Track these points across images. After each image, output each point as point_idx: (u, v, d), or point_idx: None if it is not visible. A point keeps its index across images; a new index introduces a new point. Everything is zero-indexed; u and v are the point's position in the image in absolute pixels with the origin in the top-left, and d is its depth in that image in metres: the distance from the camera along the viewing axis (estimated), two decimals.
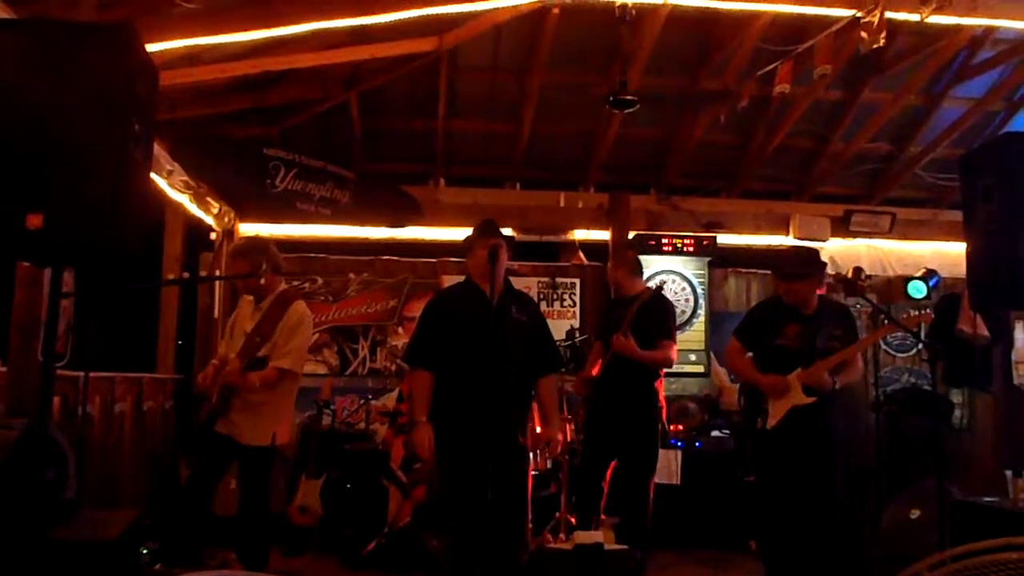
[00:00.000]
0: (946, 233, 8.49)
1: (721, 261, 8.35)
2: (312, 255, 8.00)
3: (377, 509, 6.11)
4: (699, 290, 8.08)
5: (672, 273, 7.98)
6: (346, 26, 5.63)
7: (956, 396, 8.13)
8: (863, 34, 5.50)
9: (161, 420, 6.73)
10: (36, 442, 3.21)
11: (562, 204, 8.52)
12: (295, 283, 7.33)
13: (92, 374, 5.02)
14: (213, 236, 7.66)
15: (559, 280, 8.17)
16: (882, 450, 6.93)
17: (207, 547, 4.91)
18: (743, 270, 8.48)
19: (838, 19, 5.86)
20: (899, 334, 8.23)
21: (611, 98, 6.48)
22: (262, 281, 4.66)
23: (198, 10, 5.07)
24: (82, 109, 2.72)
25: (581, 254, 8.44)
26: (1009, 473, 5.69)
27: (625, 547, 4.62)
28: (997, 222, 3.61)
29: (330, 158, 7.67)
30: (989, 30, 6.92)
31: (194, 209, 7.14)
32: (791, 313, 4.83)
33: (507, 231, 7.32)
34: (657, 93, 7.54)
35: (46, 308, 3.39)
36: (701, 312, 8.05)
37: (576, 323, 7.96)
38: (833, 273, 8.02)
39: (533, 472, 5.43)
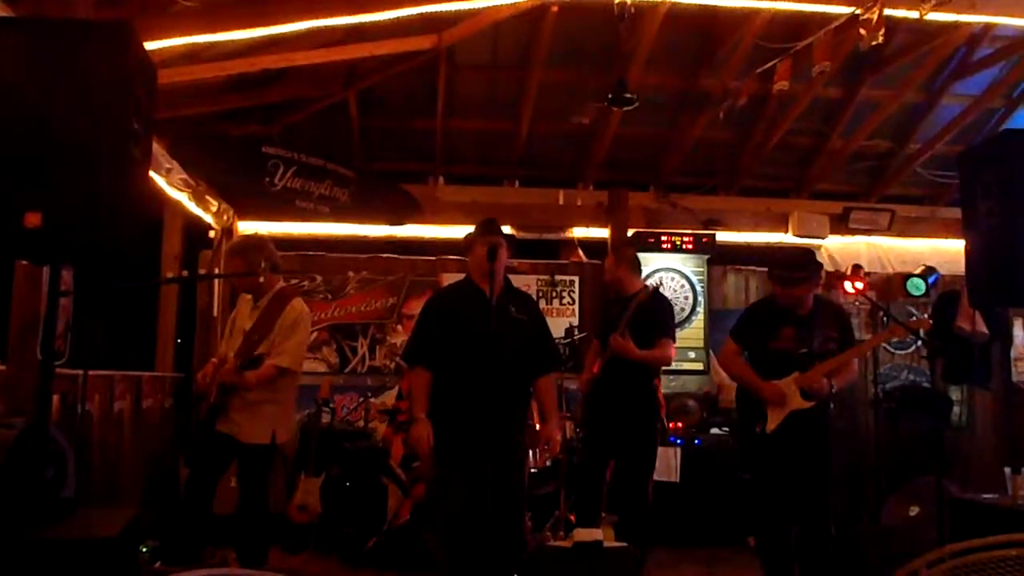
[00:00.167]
0: (945, 230, 8.49)
1: (720, 258, 8.34)
2: (311, 253, 8.00)
3: (376, 507, 6.11)
4: (698, 287, 8.08)
5: (671, 271, 7.98)
6: (345, 24, 5.63)
7: (955, 393, 8.13)
8: (862, 31, 5.50)
9: (160, 418, 6.73)
10: (35, 440, 3.21)
11: (561, 202, 8.52)
12: (294, 281, 7.33)
13: (91, 372, 5.01)
14: (212, 234, 7.66)
15: (558, 278, 8.17)
16: (881, 447, 6.94)
17: (207, 545, 4.91)
18: (742, 267, 8.48)
19: (837, 16, 5.86)
20: None
21: (610, 96, 6.48)
22: (260, 279, 4.66)
23: (196, 8, 5.07)
24: (80, 107, 2.72)
25: (580, 252, 8.44)
26: (1008, 470, 5.68)
27: (624, 545, 4.63)
28: (996, 219, 3.61)
29: (329, 156, 7.67)
30: (988, 27, 6.92)
31: (193, 207, 7.13)
32: (786, 315, 4.80)
33: (506, 229, 7.33)
34: (656, 91, 7.54)
35: (45, 306, 3.39)
36: (700, 309, 8.05)
37: (575, 321, 7.96)
38: (832, 270, 8.03)
39: (533, 470, 5.43)
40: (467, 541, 4.01)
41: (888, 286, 8.34)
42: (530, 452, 5.06)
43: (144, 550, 4.86)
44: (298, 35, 5.68)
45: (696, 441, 6.92)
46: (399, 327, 7.89)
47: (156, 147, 5.67)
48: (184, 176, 6.58)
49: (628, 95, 6.43)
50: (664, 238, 7.99)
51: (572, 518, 5.52)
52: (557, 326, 7.60)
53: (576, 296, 8.18)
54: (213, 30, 5.14)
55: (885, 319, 6.70)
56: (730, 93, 7.07)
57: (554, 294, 8.14)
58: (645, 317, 5.30)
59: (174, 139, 6.43)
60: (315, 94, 7.50)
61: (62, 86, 2.72)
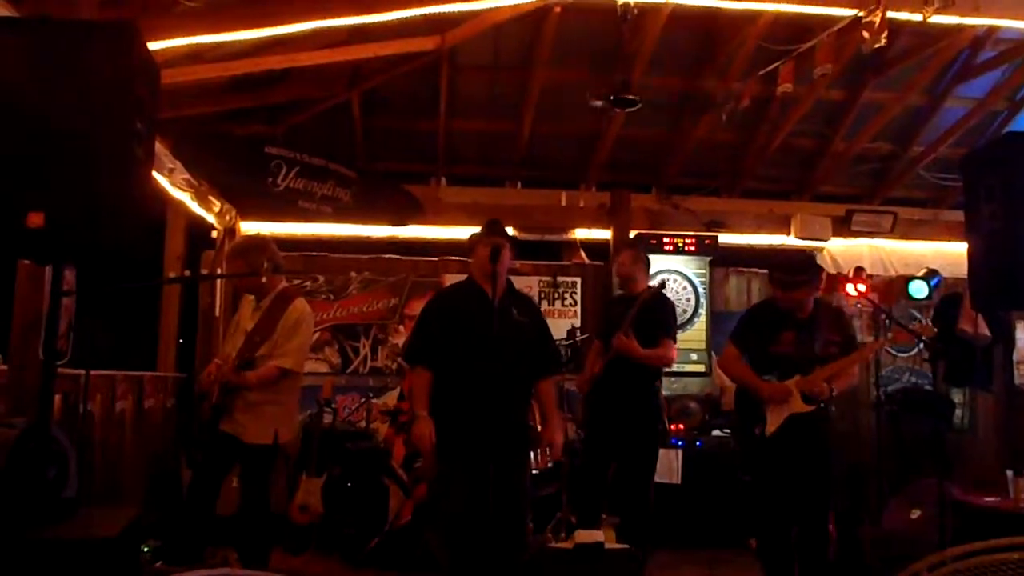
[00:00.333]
0: (948, 233, 8.48)
1: (722, 260, 8.34)
2: (313, 253, 8.00)
3: (378, 508, 6.11)
4: (700, 289, 8.07)
5: (673, 272, 7.97)
6: (347, 25, 5.64)
7: (957, 396, 8.13)
8: (865, 33, 5.50)
9: (162, 419, 6.73)
10: (37, 440, 3.21)
11: (563, 203, 8.52)
12: (296, 281, 7.33)
13: (93, 372, 5.02)
14: (214, 234, 7.66)
15: (560, 279, 8.17)
16: (883, 449, 6.92)
17: (208, 546, 4.91)
18: (744, 269, 8.47)
19: (840, 18, 5.86)
20: None
21: (612, 97, 6.47)
22: (263, 280, 4.66)
23: (200, 8, 5.07)
24: (84, 107, 2.72)
25: (582, 253, 8.43)
26: (1010, 473, 5.69)
27: (626, 546, 4.62)
28: (999, 222, 3.60)
29: (332, 157, 7.68)
30: (991, 30, 6.92)
31: (196, 207, 7.13)
32: (787, 318, 4.80)
33: (509, 230, 7.34)
34: (658, 92, 7.54)
35: (47, 306, 3.39)
36: (702, 311, 8.05)
37: (577, 322, 7.95)
38: (835, 273, 8.03)
39: (534, 471, 5.43)
40: (469, 542, 4.01)
41: (890, 289, 8.33)
42: (532, 454, 5.05)
43: (145, 550, 4.86)
44: (301, 36, 5.69)
45: (698, 443, 6.91)
46: (401, 328, 7.89)
47: (159, 147, 5.68)
48: (187, 176, 6.58)
49: (630, 96, 6.42)
50: (666, 240, 7.98)
51: (573, 520, 5.51)
52: (559, 327, 7.59)
53: (578, 297, 8.17)
54: (216, 30, 5.15)
55: (888, 322, 6.68)
56: (733, 95, 7.07)
57: (556, 295, 8.13)
58: (649, 316, 5.29)
59: (177, 139, 6.44)
60: (318, 95, 7.51)
61: (65, 86, 2.73)
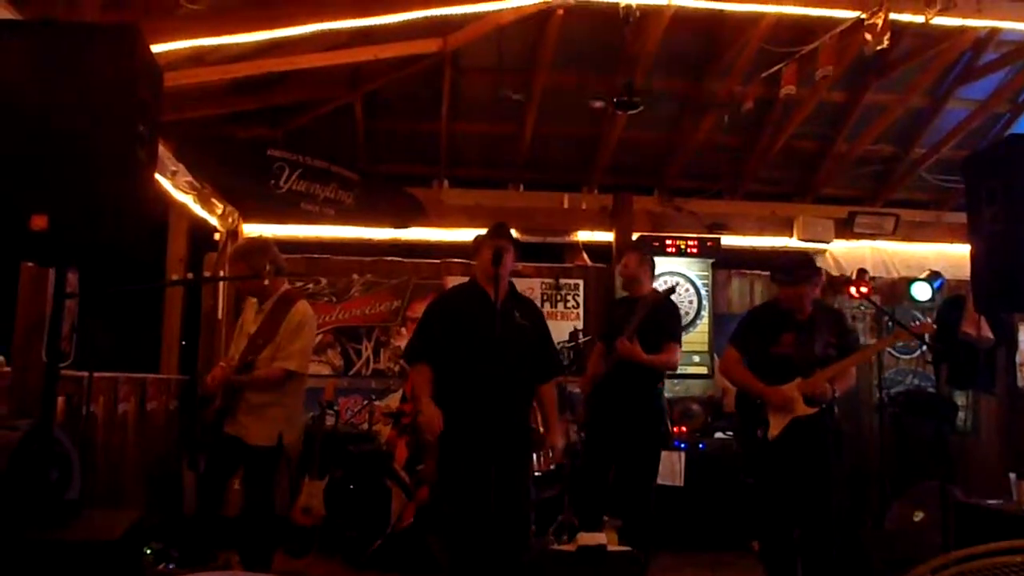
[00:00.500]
0: (950, 235, 8.47)
1: (725, 262, 8.33)
2: (316, 256, 8.00)
3: (380, 510, 6.10)
4: (703, 292, 8.07)
5: (676, 275, 7.97)
6: (350, 27, 5.64)
7: (960, 398, 8.11)
8: (867, 36, 5.50)
9: (165, 421, 6.73)
10: (40, 442, 3.22)
11: (566, 205, 8.53)
12: (299, 284, 7.33)
13: (96, 374, 5.02)
14: (217, 237, 7.67)
15: (563, 281, 8.17)
16: (886, 452, 6.92)
17: (219, 548, 4.92)
18: (747, 271, 8.46)
19: (842, 21, 5.86)
20: None
21: (615, 100, 6.48)
22: (266, 282, 4.66)
23: (202, 11, 5.08)
24: (86, 110, 2.72)
25: (585, 255, 8.43)
26: (1013, 476, 5.67)
27: (628, 549, 4.62)
28: (1001, 224, 3.60)
29: (334, 159, 7.69)
30: (994, 32, 6.92)
31: (198, 210, 7.14)
32: (786, 320, 4.82)
33: (512, 233, 7.32)
34: (661, 95, 7.54)
35: (50, 308, 3.39)
36: (705, 313, 8.05)
37: (579, 324, 7.96)
38: (837, 275, 8.02)
39: (537, 473, 5.43)
40: (471, 544, 4.01)
41: (893, 291, 8.33)
42: (534, 456, 5.05)
43: (148, 552, 4.86)
44: (304, 38, 5.70)
45: (700, 445, 6.90)
46: (403, 330, 7.89)
47: (162, 149, 5.69)
48: (189, 178, 6.59)
49: (632, 99, 6.43)
50: (668, 242, 7.97)
51: (576, 522, 5.51)
52: (561, 329, 7.61)
53: (580, 300, 8.17)
54: (219, 33, 5.15)
55: (890, 324, 6.68)
56: (735, 97, 7.08)
57: (558, 297, 8.13)
58: (654, 321, 5.27)
59: (180, 142, 6.45)
60: (321, 97, 7.52)
61: (68, 89, 2.73)
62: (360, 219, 7.85)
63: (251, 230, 7.66)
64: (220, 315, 7.55)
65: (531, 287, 7.87)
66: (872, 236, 8.47)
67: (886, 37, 5.45)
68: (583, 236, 8.40)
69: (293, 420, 4.73)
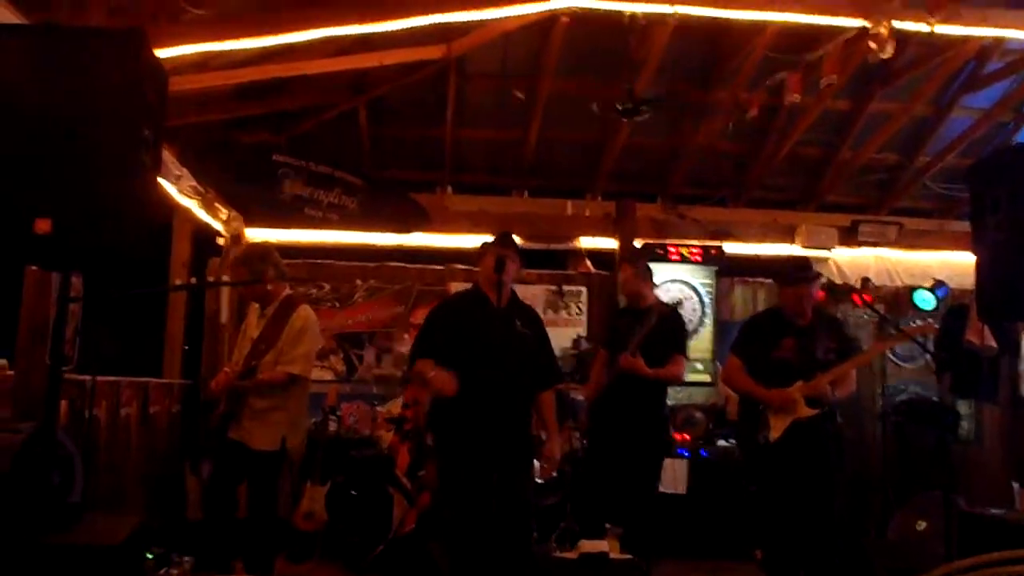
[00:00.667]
0: (954, 244, 8.45)
1: (728, 270, 8.32)
2: (319, 261, 8.01)
3: (382, 516, 6.09)
4: (706, 299, 8.06)
5: (679, 282, 7.96)
6: (355, 33, 5.65)
7: (963, 407, 8.09)
8: (871, 44, 5.51)
9: (167, 425, 6.73)
10: (43, 445, 3.22)
11: (569, 212, 8.54)
12: (302, 289, 7.34)
13: (99, 378, 5.03)
14: (221, 241, 7.67)
15: (566, 288, 8.16)
16: (888, 461, 6.91)
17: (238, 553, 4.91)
18: (750, 279, 8.45)
19: (847, 29, 5.87)
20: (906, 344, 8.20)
21: (619, 107, 6.48)
22: (268, 287, 4.68)
23: (207, 17, 5.10)
24: (92, 114, 2.73)
25: (588, 262, 8.43)
26: (1016, 485, 5.67)
27: (630, 556, 4.62)
28: (1005, 233, 3.59)
29: (338, 164, 7.70)
30: (998, 41, 6.91)
31: (202, 214, 7.15)
32: (786, 325, 4.85)
33: (516, 243, 7.31)
34: (665, 102, 7.54)
35: (54, 312, 3.40)
36: (708, 321, 8.04)
37: (583, 331, 7.94)
38: (841, 283, 8.02)
39: (538, 481, 5.42)
40: (472, 550, 4.00)
41: (896, 299, 8.31)
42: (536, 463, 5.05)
43: (149, 557, 4.86)
44: (308, 44, 5.71)
45: (703, 453, 6.89)
46: (406, 336, 7.88)
47: (166, 154, 5.70)
48: (194, 183, 6.60)
49: (637, 106, 6.43)
50: (672, 249, 7.98)
51: (577, 529, 5.50)
52: (564, 336, 7.60)
53: (583, 306, 8.17)
54: (224, 39, 5.17)
55: (894, 332, 6.65)
56: (739, 105, 7.08)
57: (562, 304, 8.13)
58: (659, 335, 5.25)
59: (184, 146, 6.46)
60: (325, 103, 7.53)
61: (73, 93, 2.74)
62: (364, 225, 7.86)
63: (255, 235, 7.67)
64: (223, 320, 7.56)
65: (534, 293, 7.87)
66: (876, 244, 8.46)
67: (890, 46, 5.46)
68: (586, 243, 8.40)
69: (296, 424, 4.73)
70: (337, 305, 7.91)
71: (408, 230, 7.98)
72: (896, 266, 8.65)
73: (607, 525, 5.18)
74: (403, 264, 8.16)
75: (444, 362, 4.17)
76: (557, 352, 7.02)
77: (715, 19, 6.15)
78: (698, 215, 8.43)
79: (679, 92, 7.65)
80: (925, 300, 7.99)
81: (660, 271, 7.78)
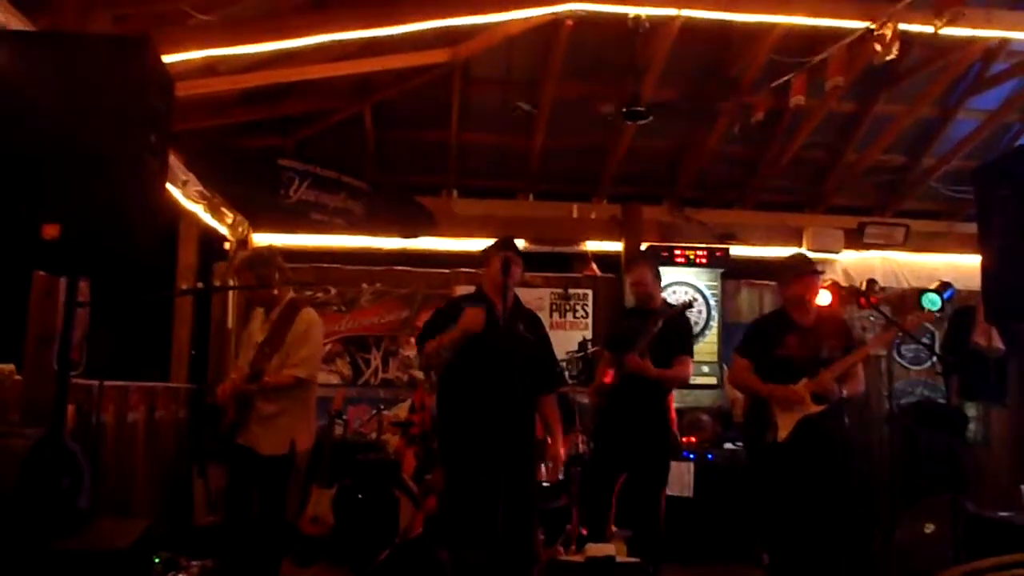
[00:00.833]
0: (961, 245, 8.44)
1: (734, 273, 8.32)
2: (325, 265, 8.02)
3: (388, 520, 6.10)
4: (712, 302, 8.06)
5: (685, 284, 7.96)
6: (360, 38, 5.66)
7: (971, 409, 8.07)
8: (876, 46, 5.51)
9: (174, 429, 6.74)
10: (51, 450, 3.23)
11: (575, 215, 8.53)
12: (308, 293, 7.35)
13: (106, 383, 5.04)
14: (227, 246, 7.69)
15: (571, 291, 8.16)
16: (896, 464, 6.89)
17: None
18: (756, 282, 8.44)
19: (852, 31, 5.86)
20: (913, 346, 8.19)
21: (624, 109, 6.48)
22: (275, 292, 4.69)
23: (213, 22, 5.12)
24: (98, 120, 2.74)
25: (594, 265, 8.42)
26: None
27: (637, 560, 4.60)
28: (1012, 234, 3.59)
29: (344, 169, 7.72)
30: (1003, 42, 6.90)
31: (208, 219, 7.17)
32: (790, 324, 4.84)
33: (520, 242, 7.31)
34: (670, 105, 7.54)
35: (62, 317, 3.41)
36: (714, 324, 8.03)
37: (588, 334, 7.94)
38: (847, 285, 8.00)
39: (545, 484, 5.42)
40: (479, 555, 4.00)
41: (903, 301, 8.30)
42: (542, 466, 5.05)
43: (157, 561, 4.87)
44: (314, 49, 5.72)
45: (709, 456, 6.88)
46: (412, 340, 7.89)
47: (173, 159, 5.72)
48: (200, 188, 6.62)
49: (640, 109, 6.43)
50: (678, 252, 7.98)
51: (584, 532, 5.49)
52: (570, 339, 7.60)
53: (589, 309, 8.17)
54: (229, 44, 5.19)
55: (900, 334, 6.63)
56: (745, 107, 7.07)
57: (567, 307, 8.13)
58: (667, 336, 5.24)
59: (190, 151, 6.47)
60: (330, 107, 7.55)
61: (80, 98, 2.75)
62: (369, 229, 7.87)
63: (261, 239, 7.68)
64: (230, 324, 7.58)
65: (540, 297, 7.88)
66: (882, 246, 8.45)
67: (895, 47, 5.45)
68: (592, 246, 8.40)
69: (304, 427, 4.73)
70: (343, 309, 7.93)
71: (414, 234, 7.99)
72: (902, 268, 8.64)
73: (613, 528, 5.18)
74: (408, 268, 8.17)
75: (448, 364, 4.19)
76: (563, 355, 7.07)
77: (720, 22, 6.16)
78: (704, 218, 8.42)
79: (684, 95, 7.65)
80: (932, 302, 7.97)
81: (666, 274, 7.76)
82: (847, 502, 4.69)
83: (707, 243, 8.14)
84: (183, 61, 5.01)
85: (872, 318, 7.84)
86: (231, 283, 7.40)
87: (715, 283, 8.11)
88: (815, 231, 8.29)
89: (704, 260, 7.99)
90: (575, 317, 8.13)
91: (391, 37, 5.74)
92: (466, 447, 4.10)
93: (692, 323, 7.45)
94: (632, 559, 4.59)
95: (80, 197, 2.71)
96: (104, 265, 2.94)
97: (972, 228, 4.50)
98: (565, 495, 5.85)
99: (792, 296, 4.90)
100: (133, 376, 6.15)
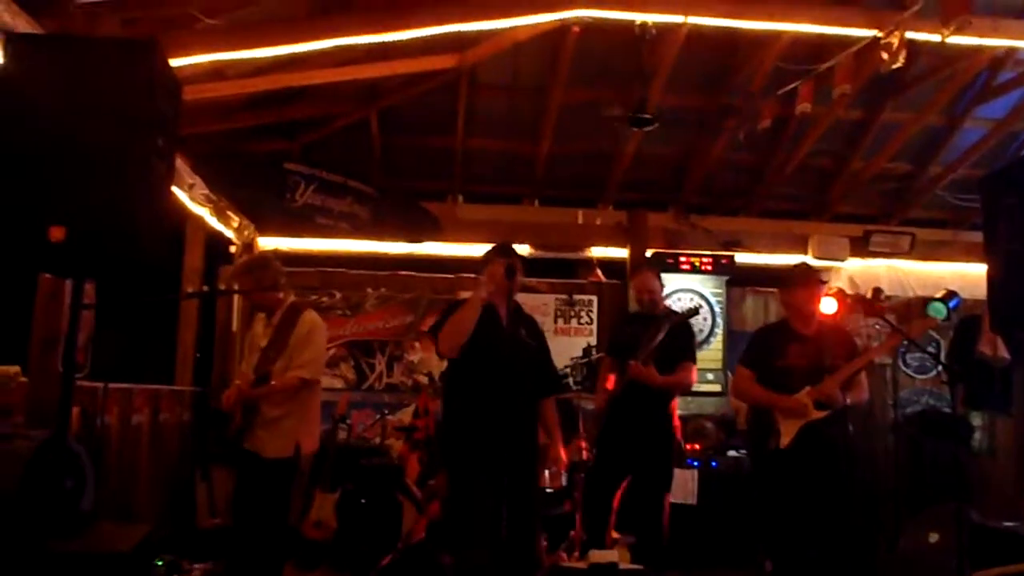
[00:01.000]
0: (966, 254, 8.42)
1: (739, 280, 8.31)
2: (330, 269, 8.03)
3: (391, 524, 6.09)
4: (717, 309, 8.05)
5: (690, 292, 7.95)
6: (367, 43, 5.67)
7: (976, 419, 8.04)
8: (883, 54, 5.50)
9: (178, 432, 6.75)
10: (55, 452, 3.24)
11: (580, 221, 8.53)
12: (313, 297, 7.35)
13: (111, 385, 5.05)
14: (233, 250, 7.71)
15: (576, 297, 8.16)
16: (900, 472, 6.86)
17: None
18: (761, 289, 8.43)
19: (858, 39, 5.86)
20: (918, 355, 8.16)
21: (629, 116, 6.49)
22: (280, 295, 4.70)
23: (221, 26, 5.13)
24: (106, 123, 2.75)
25: (599, 271, 8.42)
26: None
27: (640, 567, 4.60)
28: (1018, 243, 3.58)
29: (350, 173, 7.73)
30: (1010, 51, 6.89)
31: (214, 223, 7.18)
32: (792, 334, 4.84)
33: (525, 248, 7.33)
34: (677, 111, 7.55)
35: (67, 319, 3.42)
36: (719, 331, 8.02)
37: (593, 340, 7.95)
38: (852, 293, 7.98)
39: (548, 490, 5.41)
40: (483, 560, 4.00)
41: (909, 310, 8.27)
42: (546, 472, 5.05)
43: (159, 564, 4.87)
44: (321, 54, 5.74)
45: (713, 463, 6.87)
46: (417, 344, 7.90)
47: (179, 162, 5.73)
48: (206, 191, 6.64)
49: (647, 115, 6.44)
50: (683, 259, 7.98)
51: (587, 538, 5.48)
52: (575, 345, 7.61)
53: (594, 315, 8.16)
54: (236, 48, 5.20)
55: (905, 343, 6.62)
56: (751, 115, 7.07)
57: (572, 313, 8.12)
58: (671, 342, 5.24)
59: (197, 155, 6.50)
60: (337, 112, 7.56)
61: (87, 101, 2.76)
62: (375, 233, 7.88)
63: (267, 243, 7.70)
64: (235, 327, 7.58)
65: (544, 303, 7.87)
66: (888, 255, 8.44)
67: (902, 56, 5.45)
68: (597, 252, 8.40)
69: (310, 429, 4.74)
70: (348, 313, 7.93)
71: (419, 239, 8.00)
72: (908, 276, 8.62)
73: (614, 535, 5.17)
74: (414, 273, 8.18)
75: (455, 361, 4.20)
76: (567, 361, 7.07)
77: (727, 29, 6.16)
78: (710, 225, 8.42)
79: (691, 102, 7.65)
80: (938, 311, 7.94)
81: (671, 281, 7.78)
82: (851, 509, 4.68)
83: (712, 250, 8.14)
84: (191, 65, 5.03)
85: (877, 326, 7.82)
86: (236, 286, 7.42)
87: (720, 290, 8.10)
88: (821, 239, 8.28)
89: (709, 267, 7.99)
90: (580, 323, 8.13)
91: (398, 43, 5.75)
92: (470, 452, 4.10)
93: (697, 330, 7.47)
94: (635, 566, 4.59)
95: (86, 200, 2.72)
96: (110, 268, 2.95)
97: (978, 237, 4.49)
98: (568, 501, 5.85)
99: (794, 306, 4.90)
100: (138, 379, 6.16)
